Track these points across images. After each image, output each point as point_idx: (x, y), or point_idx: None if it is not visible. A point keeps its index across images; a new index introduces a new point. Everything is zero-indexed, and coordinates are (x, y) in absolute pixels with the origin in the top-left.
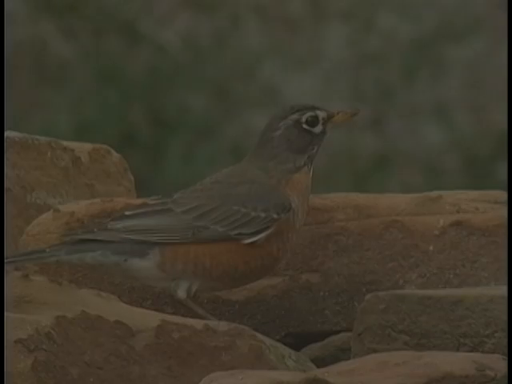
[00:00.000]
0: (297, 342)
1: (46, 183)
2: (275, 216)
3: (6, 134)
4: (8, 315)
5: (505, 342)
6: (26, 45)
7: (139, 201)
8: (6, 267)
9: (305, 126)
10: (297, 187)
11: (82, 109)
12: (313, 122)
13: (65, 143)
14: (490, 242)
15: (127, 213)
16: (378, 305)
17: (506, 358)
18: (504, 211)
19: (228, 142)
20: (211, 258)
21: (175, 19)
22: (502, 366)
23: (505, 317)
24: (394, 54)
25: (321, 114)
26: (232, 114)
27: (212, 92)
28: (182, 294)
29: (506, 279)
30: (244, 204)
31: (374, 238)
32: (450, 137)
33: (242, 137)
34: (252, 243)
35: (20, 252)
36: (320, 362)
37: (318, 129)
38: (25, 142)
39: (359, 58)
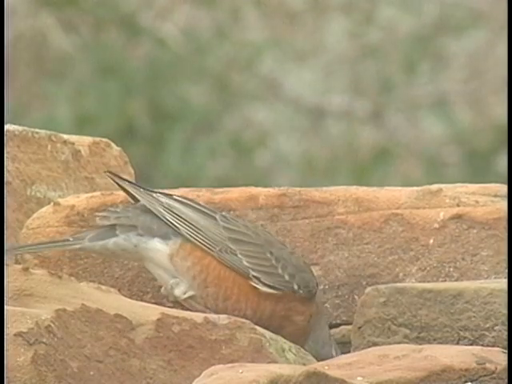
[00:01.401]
0: None
1: (46, 176)
2: (295, 287)
3: (6, 127)
4: (8, 308)
5: (505, 335)
6: (25, 38)
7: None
8: (9, 260)
9: None
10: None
11: (82, 102)
12: None
13: (65, 136)
14: (490, 235)
15: (176, 196)
16: (378, 298)
17: (506, 351)
18: (504, 204)
19: (228, 134)
20: (216, 276)
21: (175, 12)
22: (501, 359)
23: (505, 310)
24: (395, 46)
25: None
26: (232, 106)
27: (212, 85)
28: (178, 293)
29: (506, 272)
30: (278, 258)
31: (374, 231)
32: (451, 130)
33: (242, 129)
34: (258, 291)
35: (41, 241)
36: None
37: None
38: (25, 135)
39: (359, 51)
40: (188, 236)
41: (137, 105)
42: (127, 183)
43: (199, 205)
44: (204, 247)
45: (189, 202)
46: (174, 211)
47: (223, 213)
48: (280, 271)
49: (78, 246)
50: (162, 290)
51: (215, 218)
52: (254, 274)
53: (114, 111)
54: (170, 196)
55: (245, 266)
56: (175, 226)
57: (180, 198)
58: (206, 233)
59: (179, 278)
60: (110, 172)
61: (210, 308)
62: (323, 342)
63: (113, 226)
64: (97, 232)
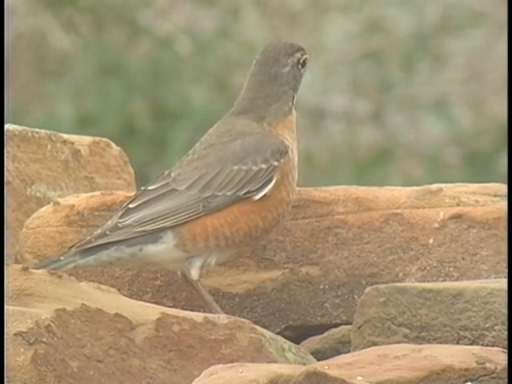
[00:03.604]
0: (297, 334)
1: (46, 176)
2: (276, 163)
3: (6, 127)
4: (8, 308)
5: (505, 335)
6: (25, 38)
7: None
8: (8, 259)
9: (299, 66)
10: (288, 126)
11: (82, 101)
12: (304, 63)
13: (65, 136)
14: (490, 235)
15: (131, 205)
16: (378, 298)
17: (506, 350)
18: (504, 204)
19: None
20: (230, 226)
21: (175, 11)
22: (501, 358)
23: (505, 310)
24: (395, 47)
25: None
26: (232, 106)
27: (213, 84)
28: (194, 273)
29: (506, 272)
30: (243, 161)
31: (374, 230)
32: (450, 130)
33: None
34: (263, 197)
35: (35, 264)
36: (320, 355)
37: (303, 71)
38: (25, 135)
39: (359, 51)
40: (175, 224)
41: (137, 104)
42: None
43: (152, 191)
44: (193, 217)
45: (144, 200)
46: (147, 219)
47: (170, 174)
48: (255, 168)
49: (71, 265)
50: (180, 273)
51: (174, 189)
52: (243, 192)
53: (115, 111)
54: (127, 211)
55: (230, 195)
56: (159, 228)
57: (135, 204)
58: (181, 207)
59: (189, 258)
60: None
61: (243, 248)
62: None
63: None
64: (85, 248)
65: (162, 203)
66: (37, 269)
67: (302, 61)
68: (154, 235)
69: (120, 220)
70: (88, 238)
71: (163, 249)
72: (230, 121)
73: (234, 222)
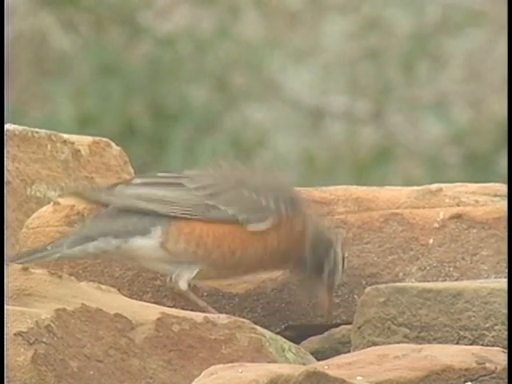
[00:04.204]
0: (297, 335)
1: (46, 176)
2: (283, 210)
3: (6, 126)
4: (8, 308)
5: (505, 335)
6: (25, 37)
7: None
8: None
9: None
10: None
11: (82, 101)
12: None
13: (65, 136)
14: (490, 235)
15: (136, 181)
16: (378, 298)
17: (506, 350)
18: (504, 204)
19: (228, 134)
20: (214, 239)
21: (175, 11)
22: (501, 358)
23: (505, 310)
24: (394, 47)
25: None
26: (232, 106)
27: (212, 84)
28: (183, 285)
29: (506, 272)
30: (257, 191)
31: (374, 230)
32: (450, 130)
33: (242, 129)
34: (255, 231)
35: (22, 253)
36: (320, 355)
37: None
38: (25, 134)
39: (359, 51)
40: (167, 214)
41: (137, 104)
42: (91, 194)
43: (162, 177)
44: (188, 216)
45: (152, 181)
46: (144, 197)
47: (187, 173)
48: (264, 202)
49: (57, 255)
50: (168, 281)
51: (182, 184)
52: (242, 217)
53: (115, 111)
54: (131, 183)
55: (230, 215)
56: (150, 210)
57: (140, 181)
58: (182, 202)
59: (180, 265)
60: (73, 193)
61: (223, 273)
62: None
63: (92, 228)
64: (74, 238)
65: (166, 190)
66: (20, 258)
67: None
68: (145, 227)
69: (119, 187)
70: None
71: (148, 244)
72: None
73: (220, 238)
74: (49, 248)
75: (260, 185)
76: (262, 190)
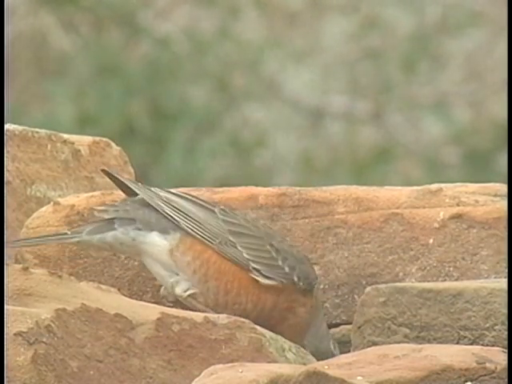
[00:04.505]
0: None
1: (46, 176)
2: (295, 279)
3: (6, 126)
4: (8, 308)
5: (505, 334)
6: (25, 37)
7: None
8: (8, 259)
9: None
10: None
11: (82, 101)
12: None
13: (65, 136)
14: (490, 234)
15: (173, 191)
16: (378, 298)
17: (506, 350)
18: (504, 204)
19: (228, 134)
20: (217, 270)
21: (175, 11)
22: (502, 358)
23: (505, 310)
24: (394, 47)
25: None
26: (232, 106)
27: (212, 85)
28: (179, 291)
29: (506, 272)
30: (278, 251)
31: (374, 230)
32: (450, 130)
33: (242, 129)
34: (258, 284)
35: (40, 236)
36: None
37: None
38: (25, 134)
39: (359, 51)
40: (187, 229)
41: (137, 105)
42: (125, 179)
43: (198, 199)
44: (204, 240)
45: (187, 196)
46: (173, 204)
47: (222, 206)
48: (280, 263)
49: (76, 240)
50: (162, 290)
51: (214, 212)
52: (255, 266)
53: (115, 111)
54: (168, 191)
55: (245, 258)
56: (174, 219)
57: (178, 192)
58: (205, 225)
59: (179, 274)
60: (105, 170)
61: (210, 304)
62: (322, 336)
63: (111, 220)
64: (95, 226)
65: (196, 208)
66: (39, 238)
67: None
68: (166, 226)
69: (156, 188)
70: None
71: (161, 244)
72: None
73: (222, 273)
74: (68, 232)
75: (285, 248)
76: (284, 253)
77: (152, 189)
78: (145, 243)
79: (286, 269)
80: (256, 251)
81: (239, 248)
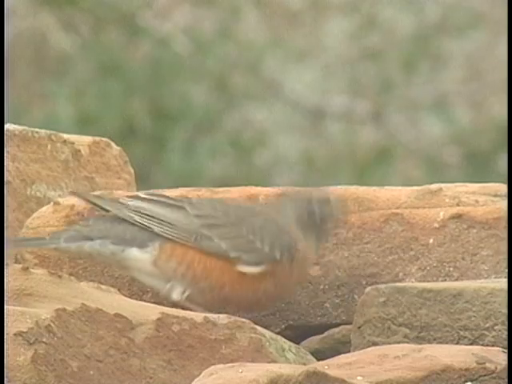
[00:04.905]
0: (297, 334)
1: (46, 176)
2: (277, 256)
3: (6, 126)
4: (8, 308)
5: (505, 335)
6: (25, 37)
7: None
8: (8, 259)
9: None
10: (300, 262)
11: (82, 101)
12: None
13: (65, 136)
14: (490, 235)
15: (142, 195)
16: (378, 298)
17: (506, 350)
18: (504, 204)
19: (228, 134)
20: (203, 269)
21: (175, 12)
22: (502, 358)
23: (505, 310)
24: (395, 47)
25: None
26: (233, 106)
27: (213, 85)
28: (176, 296)
29: (506, 272)
30: (254, 232)
31: (374, 230)
32: (450, 130)
33: (242, 129)
34: (244, 273)
35: (20, 238)
36: (320, 355)
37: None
38: (25, 134)
39: (359, 52)
40: (161, 233)
41: (137, 104)
42: (92, 197)
43: (167, 198)
44: (180, 241)
45: (156, 198)
46: (143, 212)
47: (191, 199)
48: (259, 245)
49: (53, 246)
50: (161, 293)
51: (185, 208)
52: (234, 254)
53: (115, 111)
54: (136, 197)
55: (223, 249)
56: (147, 226)
57: (146, 196)
58: (178, 225)
59: (171, 281)
60: (73, 192)
61: (210, 301)
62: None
63: (92, 229)
64: (72, 233)
65: (166, 210)
66: (18, 242)
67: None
68: (143, 240)
69: (125, 198)
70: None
71: (144, 258)
72: (268, 206)
73: (209, 270)
74: (47, 238)
75: (259, 227)
76: (260, 232)
77: (120, 200)
78: (126, 259)
79: (266, 248)
80: (233, 239)
81: (216, 240)
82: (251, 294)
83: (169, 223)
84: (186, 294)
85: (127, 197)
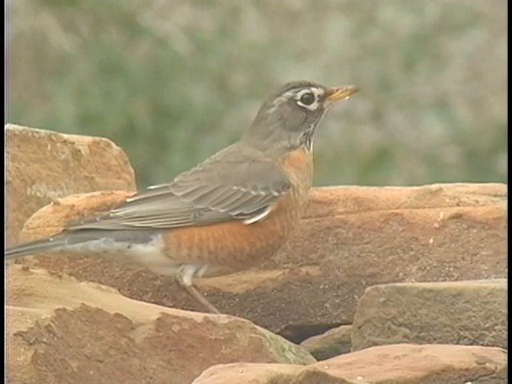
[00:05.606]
0: (297, 334)
1: (46, 176)
2: (275, 194)
3: (6, 127)
4: (8, 308)
5: (505, 334)
6: (26, 37)
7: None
8: (9, 260)
9: (300, 103)
10: (294, 164)
11: (83, 101)
12: (308, 99)
13: (65, 136)
14: (490, 234)
15: (128, 200)
16: (378, 298)
17: (506, 350)
18: (504, 204)
19: (229, 133)
20: (215, 241)
21: (175, 11)
22: (501, 358)
23: (505, 310)
24: (395, 46)
25: (317, 92)
26: (233, 106)
27: (213, 84)
28: (187, 280)
29: (506, 272)
30: (244, 183)
31: (374, 230)
32: (451, 129)
33: (243, 129)
34: (255, 223)
35: (23, 243)
36: (320, 355)
37: (313, 106)
38: (25, 134)
39: (360, 51)
40: (161, 227)
41: (138, 104)
42: (84, 222)
43: (150, 191)
44: (181, 225)
45: (142, 197)
46: (135, 216)
47: (173, 180)
48: (253, 192)
49: (58, 249)
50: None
51: (171, 193)
52: (236, 212)
53: (116, 110)
54: (123, 204)
55: (223, 212)
56: (147, 227)
57: (132, 199)
58: (172, 212)
59: (182, 265)
60: (57, 234)
61: (235, 268)
62: None
63: (94, 229)
64: (75, 234)
65: (156, 204)
66: (20, 247)
67: (300, 97)
68: (145, 235)
69: (113, 210)
70: (79, 221)
71: (151, 251)
72: (239, 145)
73: (221, 239)
74: (51, 240)
75: (247, 176)
76: (249, 180)
77: (110, 214)
78: (136, 256)
79: (262, 193)
80: (227, 200)
81: (212, 208)
82: (271, 238)
83: (163, 215)
84: (202, 271)
85: (115, 208)
